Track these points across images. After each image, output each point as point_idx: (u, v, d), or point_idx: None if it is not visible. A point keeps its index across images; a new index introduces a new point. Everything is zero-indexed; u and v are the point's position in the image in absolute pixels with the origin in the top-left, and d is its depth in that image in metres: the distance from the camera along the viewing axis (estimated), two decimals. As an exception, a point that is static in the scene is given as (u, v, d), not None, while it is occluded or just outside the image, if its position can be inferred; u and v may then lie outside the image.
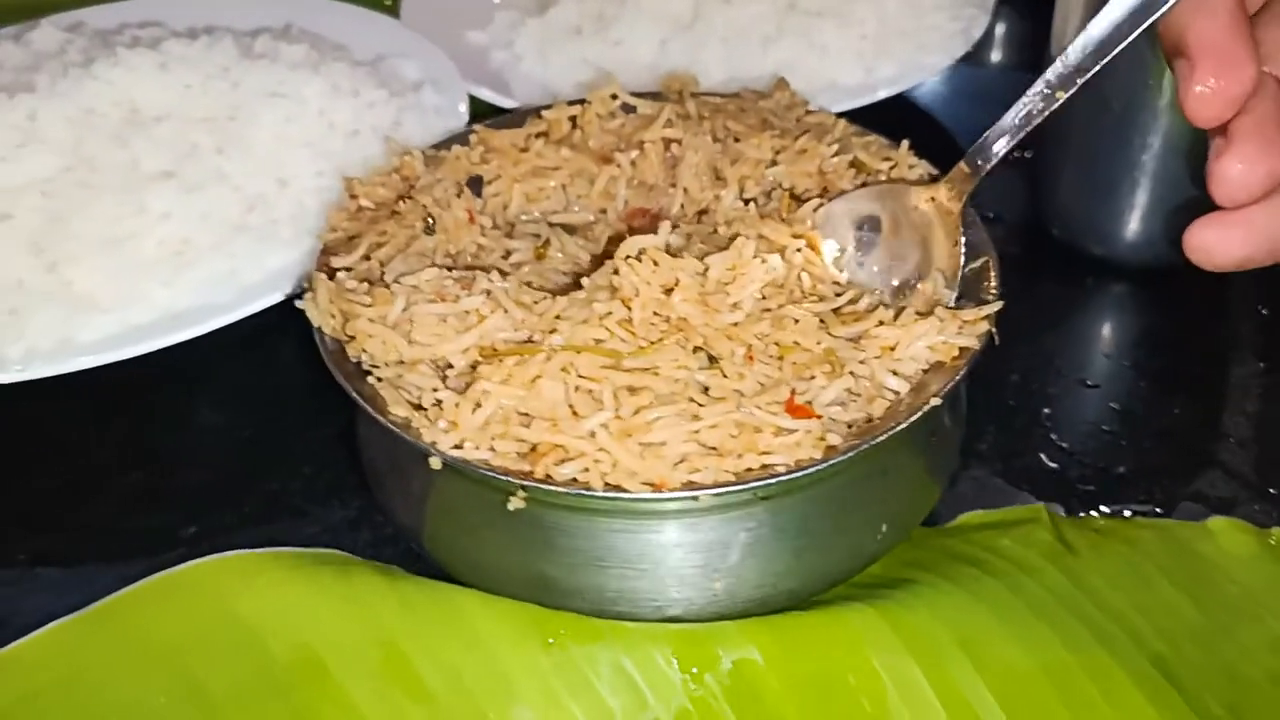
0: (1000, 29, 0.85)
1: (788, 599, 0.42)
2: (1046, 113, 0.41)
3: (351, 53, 0.67)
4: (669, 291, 0.42)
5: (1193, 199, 0.60)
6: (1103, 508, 0.50)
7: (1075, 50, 0.39)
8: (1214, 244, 0.35)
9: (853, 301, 0.44)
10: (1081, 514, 0.50)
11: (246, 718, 0.40)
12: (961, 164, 0.45)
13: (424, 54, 0.69)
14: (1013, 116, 0.42)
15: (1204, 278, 0.63)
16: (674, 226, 0.46)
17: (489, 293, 0.42)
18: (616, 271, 0.42)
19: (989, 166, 0.44)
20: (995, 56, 0.85)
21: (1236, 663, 0.44)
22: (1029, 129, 0.42)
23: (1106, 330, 0.62)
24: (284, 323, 0.49)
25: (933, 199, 0.45)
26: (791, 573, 0.42)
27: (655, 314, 0.42)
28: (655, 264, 0.42)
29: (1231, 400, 0.56)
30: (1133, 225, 0.62)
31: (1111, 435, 0.55)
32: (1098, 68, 0.39)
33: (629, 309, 0.42)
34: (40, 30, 0.64)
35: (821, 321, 0.42)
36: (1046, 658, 0.42)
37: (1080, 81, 0.40)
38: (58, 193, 0.55)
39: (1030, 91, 0.41)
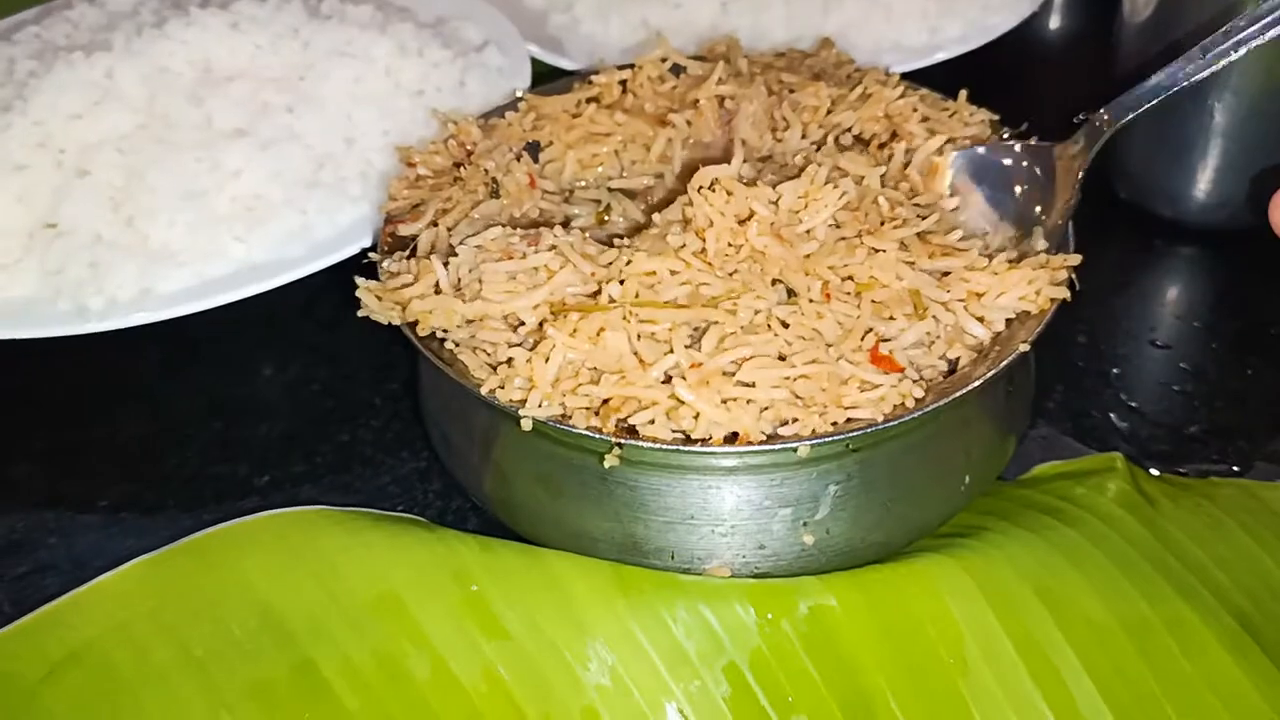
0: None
1: (876, 552, 0.42)
2: (1186, 83, 0.44)
3: (415, 15, 0.67)
4: (743, 222, 0.42)
5: (1272, 161, 0.59)
6: (1176, 468, 0.50)
7: (1218, 36, 0.42)
8: None
9: (940, 226, 0.43)
10: (1155, 473, 0.50)
11: (324, 650, 0.41)
12: (1093, 121, 0.45)
13: (485, 17, 0.69)
14: (1155, 82, 0.44)
15: (1275, 240, 0.63)
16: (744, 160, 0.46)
17: (555, 248, 0.42)
18: (690, 203, 0.42)
19: (1120, 125, 0.45)
20: (1057, 20, 0.84)
21: (1317, 620, 0.43)
22: (1166, 96, 0.44)
23: (1176, 292, 0.61)
24: (350, 278, 0.49)
25: (1056, 155, 0.45)
26: (880, 525, 0.42)
27: (730, 245, 0.41)
28: (729, 194, 0.42)
29: (1307, 362, 0.55)
30: (1204, 187, 0.61)
31: (1183, 395, 0.54)
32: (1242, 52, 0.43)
33: (703, 240, 0.41)
34: (113, -8, 0.65)
35: (903, 246, 0.41)
36: (1125, 610, 0.41)
37: (1223, 63, 0.43)
38: (134, 149, 0.55)
39: (1177, 61, 0.43)
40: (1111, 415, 0.53)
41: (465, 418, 0.45)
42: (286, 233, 0.55)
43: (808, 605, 0.41)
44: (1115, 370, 0.55)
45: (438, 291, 0.42)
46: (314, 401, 0.56)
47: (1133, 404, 0.53)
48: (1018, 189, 0.47)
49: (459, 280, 0.42)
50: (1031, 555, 0.42)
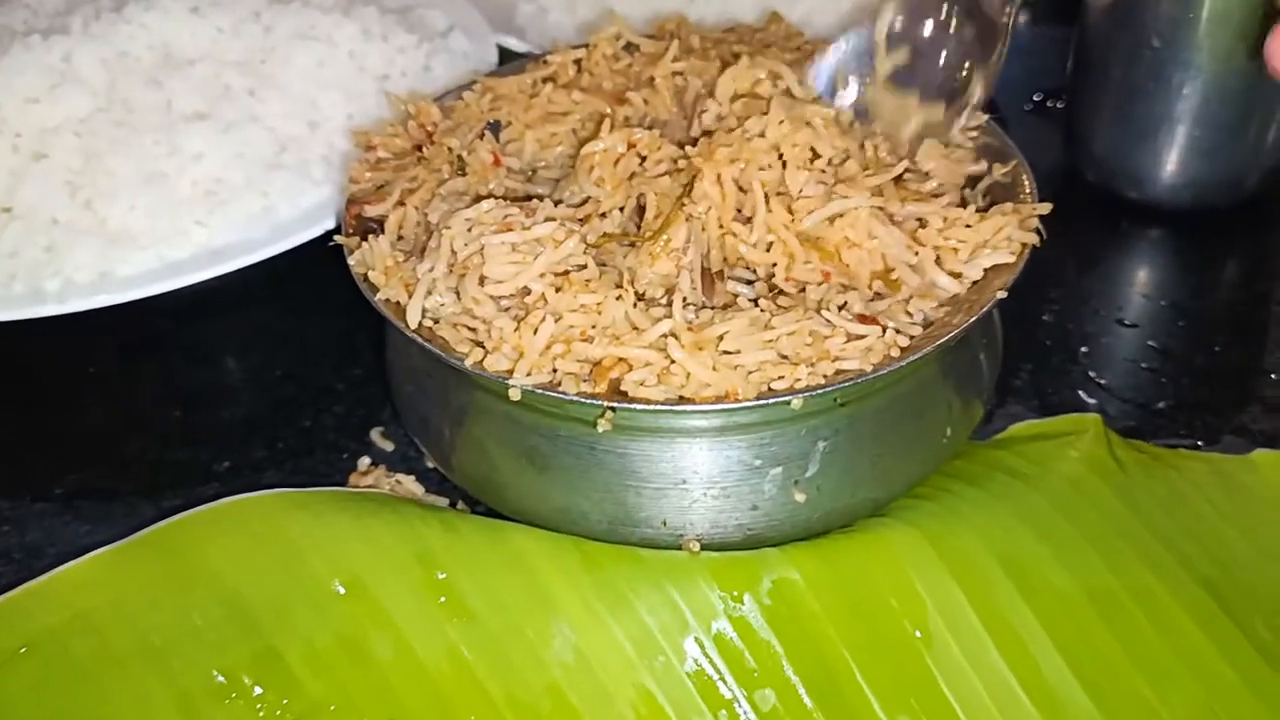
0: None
1: (866, 507, 0.42)
2: None
3: (380, 0, 0.67)
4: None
5: (1235, 142, 0.59)
6: (1145, 442, 0.50)
7: None
8: None
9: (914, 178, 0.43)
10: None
11: (287, 634, 0.40)
12: None
13: (450, 4, 0.69)
14: None
15: (1242, 220, 0.63)
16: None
17: (553, 218, 0.41)
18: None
19: None
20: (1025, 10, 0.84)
21: (1283, 589, 0.43)
22: None
23: (1143, 272, 0.61)
24: (313, 265, 0.49)
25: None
26: (869, 480, 0.41)
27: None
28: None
29: (1272, 337, 0.56)
30: (1170, 168, 0.61)
31: (1151, 373, 0.54)
32: None
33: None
34: (72, -22, 0.64)
35: (878, 192, 0.42)
36: (1091, 580, 0.41)
37: None
38: (93, 132, 0.55)
39: None
40: (1080, 392, 0.53)
41: (443, 396, 0.45)
42: (248, 215, 0.54)
43: (771, 579, 0.40)
44: (1084, 349, 0.55)
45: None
46: (276, 387, 0.55)
47: (1101, 381, 0.54)
48: (941, 53, 0.46)
49: (455, 253, 0.41)
50: (996, 524, 0.42)
